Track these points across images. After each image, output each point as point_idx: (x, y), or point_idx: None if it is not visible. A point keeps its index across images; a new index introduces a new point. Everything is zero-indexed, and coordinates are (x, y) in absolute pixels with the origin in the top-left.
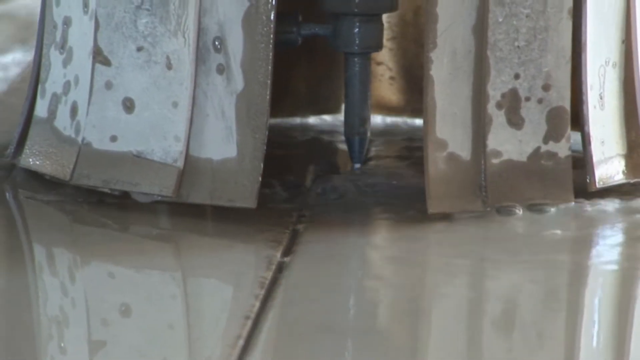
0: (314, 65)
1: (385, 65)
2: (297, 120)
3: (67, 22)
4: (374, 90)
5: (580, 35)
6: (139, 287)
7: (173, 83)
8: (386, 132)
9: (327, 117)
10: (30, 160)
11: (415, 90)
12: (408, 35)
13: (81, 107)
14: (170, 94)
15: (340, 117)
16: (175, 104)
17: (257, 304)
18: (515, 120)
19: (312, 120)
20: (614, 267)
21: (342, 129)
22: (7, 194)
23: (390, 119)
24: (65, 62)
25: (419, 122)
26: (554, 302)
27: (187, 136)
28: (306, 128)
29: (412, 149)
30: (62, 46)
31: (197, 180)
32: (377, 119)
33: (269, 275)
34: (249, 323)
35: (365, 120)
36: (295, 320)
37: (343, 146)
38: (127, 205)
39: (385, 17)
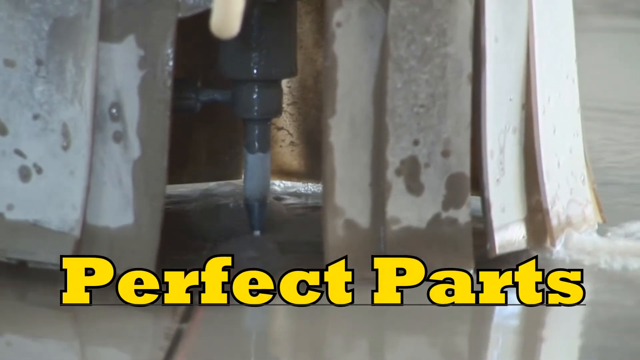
0: (214, 131)
1: (285, 131)
2: (197, 186)
3: None
4: (275, 155)
5: (479, 101)
6: (36, 356)
7: (70, 151)
8: (286, 198)
9: (227, 183)
10: None
11: (316, 156)
12: (308, 101)
13: None
14: (66, 162)
15: (241, 182)
16: (72, 173)
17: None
18: (414, 187)
19: (212, 186)
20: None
21: (242, 195)
22: None
23: (290, 185)
24: None
25: (319, 187)
26: None
27: (84, 204)
28: (206, 194)
29: (311, 215)
30: None
31: (94, 249)
32: (278, 185)
33: (172, 331)
34: None
35: (265, 187)
36: None
37: (244, 212)
38: (25, 273)
39: (285, 82)
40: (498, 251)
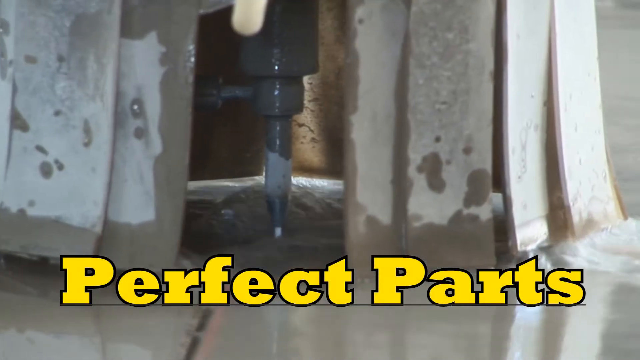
0: (235, 128)
1: (307, 127)
2: (218, 183)
3: None
4: (296, 152)
5: (501, 98)
6: (58, 352)
7: (91, 147)
8: (307, 194)
9: (248, 180)
10: None
11: (337, 153)
12: (330, 97)
13: None
14: (88, 159)
15: (262, 179)
16: (93, 169)
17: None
18: (436, 184)
19: (233, 183)
20: None
21: (263, 191)
22: None
23: (312, 181)
24: None
25: (340, 184)
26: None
27: (106, 201)
28: (227, 191)
29: (333, 212)
30: None
31: (115, 245)
32: (299, 181)
33: (194, 328)
34: None
35: (286, 183)
36: None
37: (264, 208)
38: (47, 270)
39: (306, 79)
40: (519, 248)
